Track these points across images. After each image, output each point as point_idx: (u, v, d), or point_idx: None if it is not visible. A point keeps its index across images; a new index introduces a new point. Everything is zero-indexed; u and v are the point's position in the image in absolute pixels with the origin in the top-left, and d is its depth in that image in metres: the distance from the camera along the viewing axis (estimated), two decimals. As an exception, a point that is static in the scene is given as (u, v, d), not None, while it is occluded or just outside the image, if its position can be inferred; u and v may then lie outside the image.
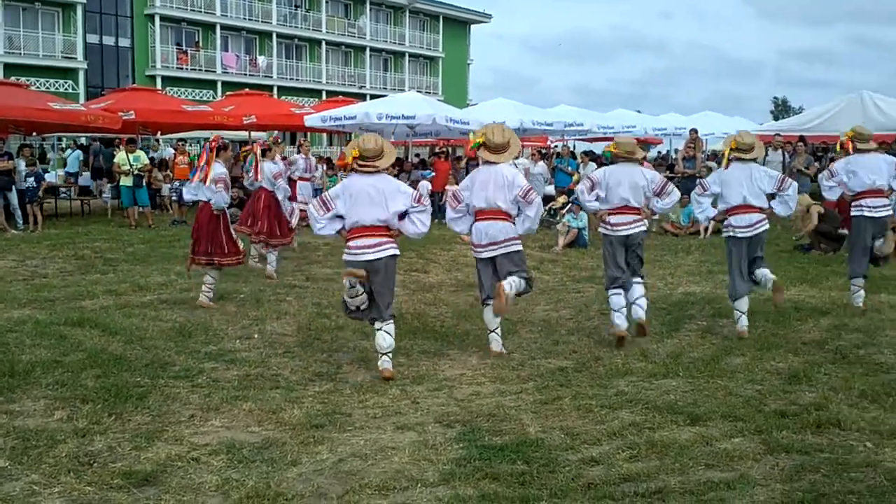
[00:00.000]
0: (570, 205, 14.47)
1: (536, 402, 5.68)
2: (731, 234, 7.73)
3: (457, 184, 17.74)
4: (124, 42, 42.46)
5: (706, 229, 15.31)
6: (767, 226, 7.79)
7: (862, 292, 8.65)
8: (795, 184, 7.93)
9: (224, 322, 8.11)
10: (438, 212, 18.84)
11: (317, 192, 14.53)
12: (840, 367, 6.51)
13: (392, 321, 6.52)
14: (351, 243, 6.42)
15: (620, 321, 7.36)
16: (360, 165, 6.44)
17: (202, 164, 8.89)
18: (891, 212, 8.70)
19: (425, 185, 10.90)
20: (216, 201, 8.77)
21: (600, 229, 7.75)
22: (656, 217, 12.09)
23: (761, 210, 7.66)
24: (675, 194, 7.70)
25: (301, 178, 14.17)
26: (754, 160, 7.77)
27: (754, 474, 4.41)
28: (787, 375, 6.28)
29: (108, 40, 41.82)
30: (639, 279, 7.60)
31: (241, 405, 5.55)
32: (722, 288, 9.90)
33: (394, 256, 6.48)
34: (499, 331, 7.14)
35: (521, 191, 6.88)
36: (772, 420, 5.22)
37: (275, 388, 6.03)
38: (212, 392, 5.84)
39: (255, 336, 7.61)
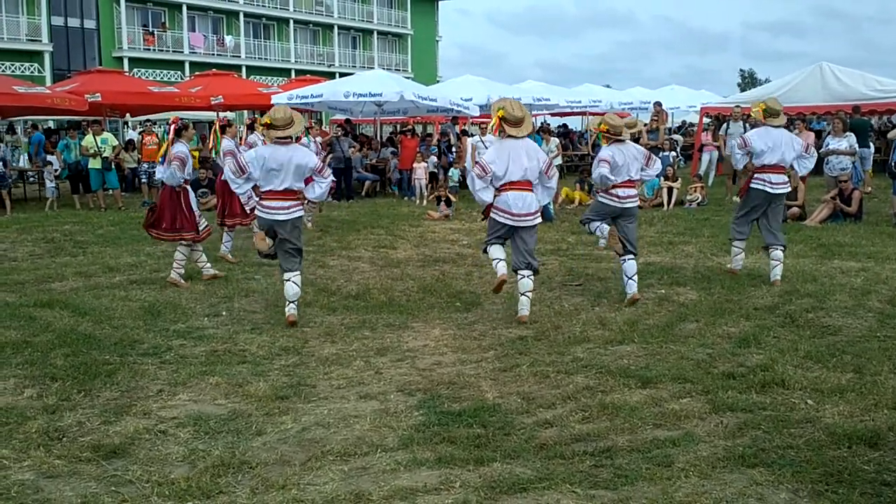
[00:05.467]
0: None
1: (496, 370, 5.87)
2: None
3: (424, 161, 18.04)
4: (90, 24, 41.96)
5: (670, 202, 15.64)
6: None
7: (742, 255, 9.18)
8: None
9: (193, 301, 8.22)
10: (407, 188, 19.07)
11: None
12: (789, 331, 6.76)
13: (299, 273, 7.40)
14: (265, 203, 7.31)
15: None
16: (275, 138, 7.26)
17: (167, 145, 9.07)
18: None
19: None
20: (167, 178, 8.94)
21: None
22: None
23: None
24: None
25: None
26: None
27: (699, 432, 4.64)
28: (737, 339, 6.51)
29: (74, 22, 41.33)
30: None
31: (208, 379, 5.69)
32: (682, 257, 10.16)
33: (300, 217, 7.46)
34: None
35: (545, 164, 7.46)
36: (719, 381, 5.46)
37: (242, 362, 6.16)
38: (179, 368, 5.98)
39: (224, 313, 7.73)
